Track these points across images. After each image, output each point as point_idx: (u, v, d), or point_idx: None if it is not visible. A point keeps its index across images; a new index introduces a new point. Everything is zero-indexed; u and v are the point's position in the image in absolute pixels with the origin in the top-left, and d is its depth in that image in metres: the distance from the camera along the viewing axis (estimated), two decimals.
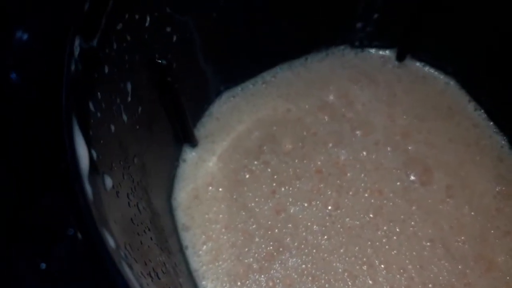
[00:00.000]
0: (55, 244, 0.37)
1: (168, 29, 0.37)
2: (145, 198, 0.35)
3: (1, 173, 0.40)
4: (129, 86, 0.32)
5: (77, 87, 0.24)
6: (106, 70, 0.28)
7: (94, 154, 0.24)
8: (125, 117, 0.32)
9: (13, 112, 0.42)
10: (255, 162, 0.45)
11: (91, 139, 0.24)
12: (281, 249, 0.41)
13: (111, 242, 0.20)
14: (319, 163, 0.45)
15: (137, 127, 0.34)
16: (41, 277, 0.36)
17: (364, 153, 0.45)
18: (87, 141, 0.23)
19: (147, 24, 0.33)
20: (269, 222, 0.43)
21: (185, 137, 0.45)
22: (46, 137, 0.41)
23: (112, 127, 0.29)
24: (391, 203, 0.42)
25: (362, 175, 0.44)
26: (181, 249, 0.41)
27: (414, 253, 0.41)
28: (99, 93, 0.27)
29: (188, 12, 0.38)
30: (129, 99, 0.32)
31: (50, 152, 0.40)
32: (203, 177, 0.45)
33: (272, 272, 0.41)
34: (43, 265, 0.36)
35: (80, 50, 0.24)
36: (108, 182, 0.26)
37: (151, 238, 0.32)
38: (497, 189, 0.43)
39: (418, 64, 0.50)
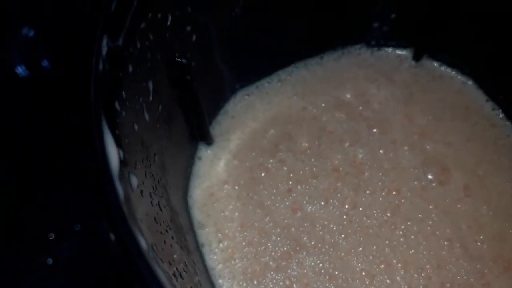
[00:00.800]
0: (61, 240, 0.37)
1: (188, 28, 0.37)
2: (165, 196, 0.35)
3: (4, 170, 0.40)
4: (150, 85, 0.32)
5: (104, 87, 0.24)
6: (130, 69, 0.28)
7: (121, 154, 0.24)
8: (147, 116, 0.32)
9: (16, 109, 0.42)
10: (271, 160, 0.45)
11: (118, 138, 0.24)
12: (298, 248, 0.41)
13: (143, 243, 0.20)
14: (336, 161, 0.44)
15: (158, 125, 0.35)
16: (47, 273, 0.37)
17: (381, 152, 0.45)
18: (116, 140, 0.23)
19: (168, 23, 0.33)
20: (286, 221, 0.43)
21: (201, 135, 0.45)
22: (48, 135, 0.41)
23: (136, 126, 0.29)
24: (408, 202, 0.42)
25: (380, 174, 0.44)
26: (198, 247, 0.42)
27: (432, 252, 0.40)
28: (123, 92, 0.27)
29: (207, 12, 0.38)
30: (151, 98, 0.32)
31: (51, 150, 0.40)
32: (218, 175, 0.45)
33: (289, 271, 0.41)
34: (50, 261, 0.36)
35: (108, 50, 0.24)
36: (134, 181, 0.26)
37: (172, 237, 0.32)
38: None
39: (434, 63, 0.49)
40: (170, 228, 0.32)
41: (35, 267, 0.36)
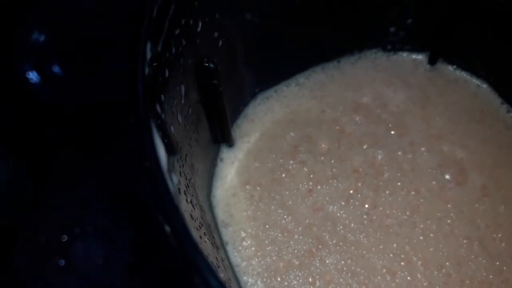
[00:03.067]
0: (74, 242, 0.38)
1: (216, 34, 0.38)
2: (195, 195, 0.36)
3: (18, 172, 0.41)
4: (183, 89, 0.34)
5: (150, 90, 0.25)
6: (167, 73, 0.30)
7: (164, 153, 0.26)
8: (180, 118, 0.33)
9: (29, 113, 0.43)
10: (291, 162, 0.47)
11: (162, 138, 0.25)
12: (320, 246, 0.43)
13: (195, 235, 0.21)
14: (355, 163, 0.46)
15: (188, 127, 0.36)
16: (60, 274, 0.38)
17: (400, 153, 0.46)
18: (162, 140, 0.24)
19: (198, 29, 0.35)
20: (307, 220, 0.44)
21: (223, 137, 0.46)
22: (62, 138, 0.43)
23: (172, 128, 0.31)
24: (427, 202, 0.43)
25: (399, 174, 0.45)
26: (222, 245, 0.43)
27: (451, 250, 0.41)
28: (162, 96, 0.29)
29: (234, 18, 0.39)
30: (183, 101, 0.34)
31: (65, 153, 0.42)
32: (240, 176, 0.47)
33: (312, 268, 0.42)
34: (62, 262, 0.38)
35: (151, 55, 0.26)
36: (175, 179, 0.27)
37: (205, 234, 0.33)
38: None
39: (449, 67, 0.51)
40: (202, 225, 0.34)
41: (48, 268, 0.38)
